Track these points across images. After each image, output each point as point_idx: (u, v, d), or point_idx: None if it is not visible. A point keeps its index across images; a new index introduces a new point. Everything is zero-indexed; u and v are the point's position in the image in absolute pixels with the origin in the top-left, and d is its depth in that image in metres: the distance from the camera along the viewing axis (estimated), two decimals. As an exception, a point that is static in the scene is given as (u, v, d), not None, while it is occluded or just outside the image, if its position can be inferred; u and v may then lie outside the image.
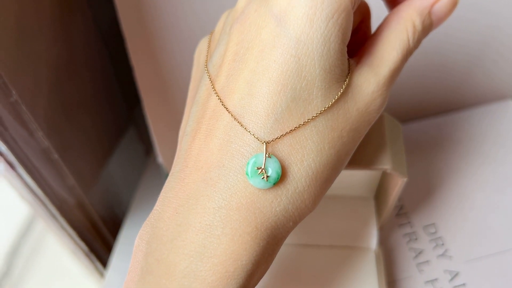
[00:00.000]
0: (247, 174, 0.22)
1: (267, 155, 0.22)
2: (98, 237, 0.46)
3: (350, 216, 0.38)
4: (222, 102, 0.23)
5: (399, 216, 0.42)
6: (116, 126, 0.49)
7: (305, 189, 0.22)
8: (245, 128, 0.22)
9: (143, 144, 0.54)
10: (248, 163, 0.22)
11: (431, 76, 0.46)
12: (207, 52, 0.27)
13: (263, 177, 0.21)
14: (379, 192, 0.38)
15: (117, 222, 0.49)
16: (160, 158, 0.47)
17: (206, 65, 0.26)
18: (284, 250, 0.37)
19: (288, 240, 0.38)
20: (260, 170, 0.22)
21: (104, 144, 0.46)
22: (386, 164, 0.30)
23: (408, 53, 0.24)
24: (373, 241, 0.37)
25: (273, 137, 0.22)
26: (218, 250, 0.21)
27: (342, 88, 0.23)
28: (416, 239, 0.40)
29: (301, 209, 0.23)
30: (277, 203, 0.22)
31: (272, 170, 0.22)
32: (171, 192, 0.24)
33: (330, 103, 0.22)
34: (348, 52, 0.24)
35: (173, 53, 0.39)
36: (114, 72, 0.47)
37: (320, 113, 0.22)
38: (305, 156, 0.22)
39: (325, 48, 0.22)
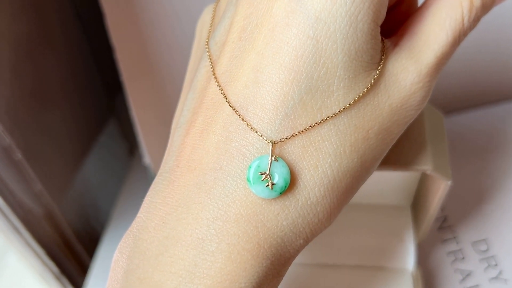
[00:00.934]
0: (248, 180, 0.22)
1: (273, 158, 0.22)
2: (70, 255, 0.46)
3: (381, 230, 0.38)
4: (222, 90, 0.23)
5: (442, 229, 0.42)
6: (94, 119, 0.49)
7: (319, 201, 0.22)
8: (248, 124, 0.22)
9: (126, 141, 0.55)
10: (250, 167, 0.22)
11: (482, 56, 0.46)
12: (210, 26, 0.27)
13: (268, 185, 0.22)
14: (418, 200, 0.38)
15: (94, 237, 0.49)
16: (147, 159, 0.47)
17: (207, 42, 0.26)
18: (299, 271, 0.37)
19: (304, 259, 0.38)
20: (264, 176, 0.22)
21: (79, 142, 0.46)
22: (425, 164, 0.30)
23: (461, 35, 0.23)
24: (409, 260, 0.37)
25: (282, 137, 0.22)
26: (212, 269, 0.21)
27: (372, 78, 0.23)
28: (463, 258, 0.40)
29: (314, 224, 0.23)
30: (284, 216, 0.22)
31: (279, 177, 0.22)
32: (158, 196, 0.24)
33: (356, 97, 0.22)
34: (384, 31, 0.24)
35: (162, 30, 0.39)
36: (91, 54, 0.47)
37: (342, 110, 0.22)
38: (320, 160, 0.22)
39: (351, 29, 0.21)
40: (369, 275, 0.37)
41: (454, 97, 0.49)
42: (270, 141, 0.22)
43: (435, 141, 0.32)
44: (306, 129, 0.22)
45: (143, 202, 0.25)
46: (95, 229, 0.50)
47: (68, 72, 0.44)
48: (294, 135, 0.22)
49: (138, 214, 0.24)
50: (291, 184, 0.22)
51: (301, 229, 0.22)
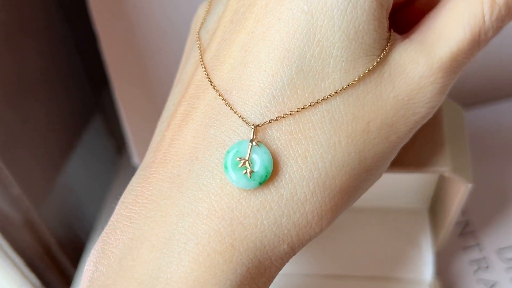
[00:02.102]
0: (225, 167, 0.21)
1: (254, 143, 0.21)
2: (52, 266, 0.46)
3: (395, 236, 0.38)
4: (208, 75, 0.23)
5: (464, 235, 0.42)
6: (77, 114, 0.49)
7: (308, 198, 0.22)
8: (231, 108, 0.22)
9: (113, 139, 0.55)
10: (228, 152, 0.21)
11: (505, 45, 0.46)
12: (204, 19, 0.27)
13: (245, 172, 0.21)
14: (436, 203, 0.38)
15: (79, 245, 0.49)
16: (136, 158, 0.47)
17: (199, 32, 0.26)
18: (305, 283, 0.37)
19: (310, 270, 0.38)
20: (242, 161, 0.21)
21: (61, 140, 0.46)
22: (443, 165, 0.30)
23: (481, 34, 0.23)
24: (427, 270, 0.37)
25: (267, 120, 0.22)
26: (176, 274, 0.21)
27: (373, 64, 0.22)
28: (487, 267, 0.40)
29: (301, 227, 0.22)
30: (265, 214, 0.22)
31: (260, 164, 0.21)
32: (130, 196, 0.24)
33: (354, 81, 0.22)
34: (398, 31, 0.24)
35: (151, 17, 0.39)
36: (74, 44, 0.47)
37: (337, 92, 0.22)
38: (310, 150, 0.22)
39: (350, 5, 0.21)
40: (381, 287, 0.37)
41: (474, 89, 0.48)
42: (253, 125, 0.22)
43: (454, 138, 0.32)
44: (294, 112, 0.22)
45: (117, 205, 0.25)
46: (79, 236, 0.50)
47: (48, 64, 0.44)
48: (279, 118, 0.22)
49: (110, 218, 0.24)
50: (274, 175, 0.22)
51: (285, 232, 0.22)
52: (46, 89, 0.44)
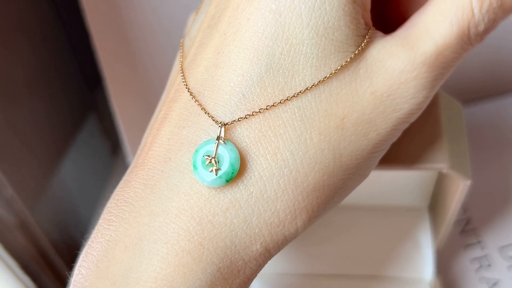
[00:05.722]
0: (194, 166, 0.22)
1: (220, 141, 0.22)
2: (47, 268, 0.46)
3: (395, 235, 0.38)
4: (184, 79, 0.24)
5: (465, 233, 0.42)
6: (71, 114, 0.49)
7: (278, 196, 0.22)
8: (202, 108, 0.23)
9: (108, 139, 0.55)
10: (196, 151, 0.22)
11: (506, 39, 0.45)
12: (189, 28, 0.28)
13: (212, 170, 0.22)
14: (436, 200, 0.38)
15: (74, 247, 0.49)
16: (131, 158, 0.47)
17: (182, 41, 0.27)
18: (302, 283, 0.37)
19: (308, 269, 0.38)
20: (209, 159, 0.22)
21: (55, 141, 0.46)
22: (441, 161, 0.30)
23: (471, 28, 0.22)
24: (427, 269, 0.37)
25: (235, 118, 0.22)
26: (146, 273, 0.21)
27: (346, 60, 0.23)
28: (489, 265, 0.40)
29: (273, 225, 0.22)
30: (235, 212, 0.22)
31: (226, 161, 0.22)
32: (113, 201, 0.24)
33: (325, 77, 0.22)
34: (385, 28, 0.24)
35: (146, 16, 0.39)
36: (67, 40, 0.47)
37: (307, 89, 0.22)
38: (280, 147, 0.22)
39: (318, 1, 0.22)
40: (381, 287, 0.37)
41: (474, 84, 0.48)
42: (221, 123, 0.22)
43: (452, 135, 0.32)
44: (263, 110, 0.22)
45: None
46: (74, 238, 0.50)
47: (40, 61, 0.44)
48: (248, 116, 0.22)
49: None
50: (243, 172, 0.22)
51: (256, 230, 0.22)
52: (39, 89, 0.44)
